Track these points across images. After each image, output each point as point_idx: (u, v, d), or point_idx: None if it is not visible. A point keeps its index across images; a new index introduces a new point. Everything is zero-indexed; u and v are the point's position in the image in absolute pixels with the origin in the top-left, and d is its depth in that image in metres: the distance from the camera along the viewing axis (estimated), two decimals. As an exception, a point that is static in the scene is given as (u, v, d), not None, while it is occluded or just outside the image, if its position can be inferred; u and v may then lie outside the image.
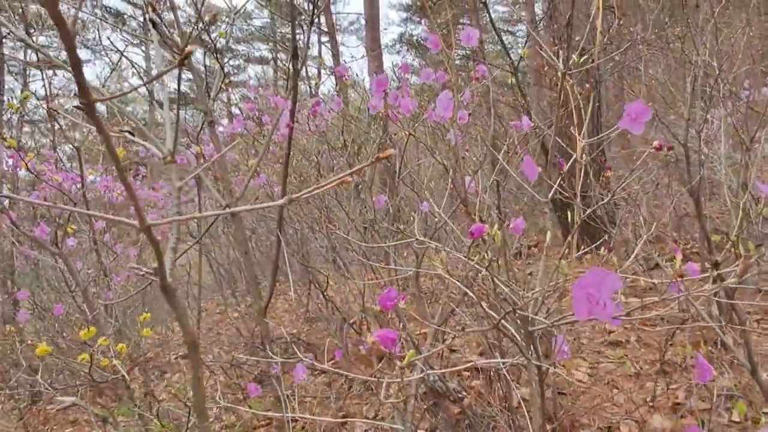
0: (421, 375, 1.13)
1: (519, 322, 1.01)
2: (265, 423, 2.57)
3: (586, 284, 0.56)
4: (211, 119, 1.99)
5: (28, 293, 3.02)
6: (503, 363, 1.31)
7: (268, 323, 1.94)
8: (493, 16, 4.33)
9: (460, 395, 2.28)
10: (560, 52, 1.00)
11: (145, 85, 0.45)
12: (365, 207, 3.24)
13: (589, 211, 0.92)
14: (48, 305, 3.21)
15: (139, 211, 0.47)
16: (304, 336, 3.35)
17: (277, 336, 3.03)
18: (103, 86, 3.55)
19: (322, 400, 2.62)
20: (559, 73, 0.92)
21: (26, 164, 1.90)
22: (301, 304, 3.60)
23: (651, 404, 2.19)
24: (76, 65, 0.33)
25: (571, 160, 0.91)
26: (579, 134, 0.92)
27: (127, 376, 1.31)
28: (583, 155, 0.93)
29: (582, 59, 0.90)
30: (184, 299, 4.74)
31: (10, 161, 3.51)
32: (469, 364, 1.21)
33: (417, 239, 1.04)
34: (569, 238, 0.87)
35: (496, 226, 0.75)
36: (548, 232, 1.04)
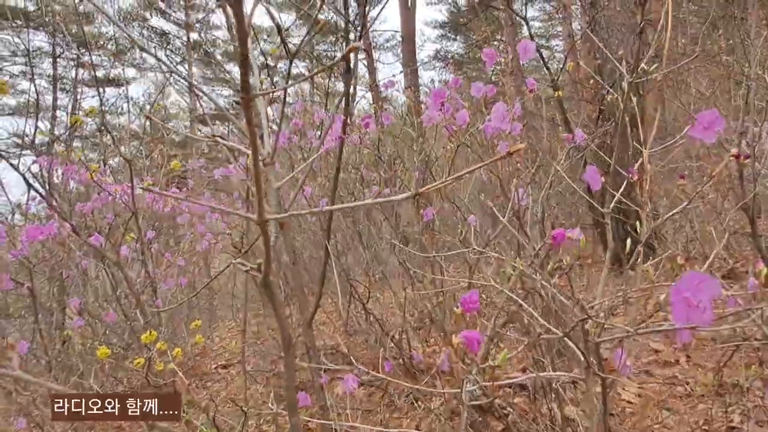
0: (474, 387, 1.13)
1: (581, 334, 1.00)
2: (306, 434, 2.58)
3: (683, 288, 0.55)
4: (262, 133, 2.05)
5: (79, 300, 3.13)
6: (559, 377, 1.29)
7: (313, 333, 1.96)
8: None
9: (504, 411, 2.24)
10: (624, 61, 1.00)
11: (288, 87, 0.48)
12: (400, 219, 3.26)
13: (658, 222, 0.91)
14: (96, 312, 3.32)
15: (261, 204, 0.50)
16: (343, 348, 3.36)
17: (318, 347, 3.04)
18: (152, 103, 3.69)
19: (364, 412, 2.62)
20: (625, 84, 0.93)
21: (92, 176, 2.00)
22: (340, 316, 3.62)
23: (705, 428, 2.10)
24: (243, 59, 0.35)
25: (637, 164, 0.91)
26: (644, 145, 0.91)
27: (185, 380, 1.35)
28: (649, 165, 0.92)
29: (653, 67, 0.90)
30: (227, 309, 4.83)
31: (61, 173, 3.67)
32: (521, 378, 1.19)
33: (475, 248, 1.04)
34: (637, 248, 0.87)
35: (577, 231, 0.75)
36: (610, 244, 1.03)
